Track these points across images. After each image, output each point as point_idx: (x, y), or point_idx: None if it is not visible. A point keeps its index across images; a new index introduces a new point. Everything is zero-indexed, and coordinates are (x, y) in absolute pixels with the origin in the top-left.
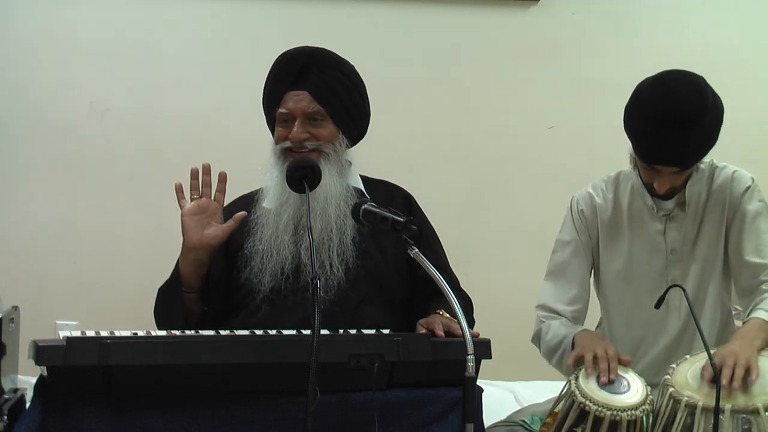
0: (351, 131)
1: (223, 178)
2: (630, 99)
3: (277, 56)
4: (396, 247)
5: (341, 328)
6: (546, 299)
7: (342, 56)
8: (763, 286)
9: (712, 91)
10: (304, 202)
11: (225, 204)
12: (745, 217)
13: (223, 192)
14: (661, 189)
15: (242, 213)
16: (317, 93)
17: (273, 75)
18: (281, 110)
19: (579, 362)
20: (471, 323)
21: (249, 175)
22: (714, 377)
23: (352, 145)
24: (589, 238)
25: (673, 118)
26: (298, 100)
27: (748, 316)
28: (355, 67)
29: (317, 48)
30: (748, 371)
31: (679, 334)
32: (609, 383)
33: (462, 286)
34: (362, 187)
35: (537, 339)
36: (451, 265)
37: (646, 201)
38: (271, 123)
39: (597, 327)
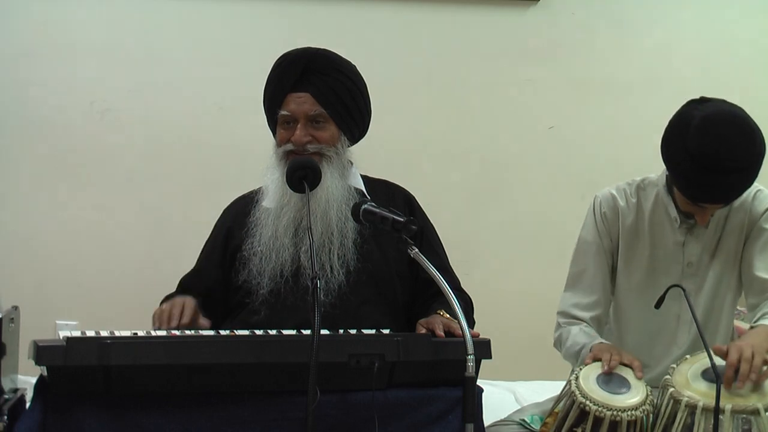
0: (352, 131)
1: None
2: (671, 134)
3: (279, 57)
4: (397, 249)
5: (341, 329)
6: (566, 306)
7: (343, 57)
8: None
9: (756, 126)
10: (305, 203)
11: (225, 205)
12: (761, 236)
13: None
14: (702, 222)
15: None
16: (319, 95)
17: (274, 76)
18: (283, 112)
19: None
20: (471, 323)
21: (249, 175)
22: (715, 378)
23: (352, 144)
24: (611, 241)
25: (724, 168)
26: (300, 102)
27: (754, 322)
28: (356, 67)
29: (319, 49)
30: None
31: (688, 348)
32: (608, 372)
33: (462, 286)
34: (363, 187)
35: (558, 344)
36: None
37: (669, 213)
38: (273, 124)
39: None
